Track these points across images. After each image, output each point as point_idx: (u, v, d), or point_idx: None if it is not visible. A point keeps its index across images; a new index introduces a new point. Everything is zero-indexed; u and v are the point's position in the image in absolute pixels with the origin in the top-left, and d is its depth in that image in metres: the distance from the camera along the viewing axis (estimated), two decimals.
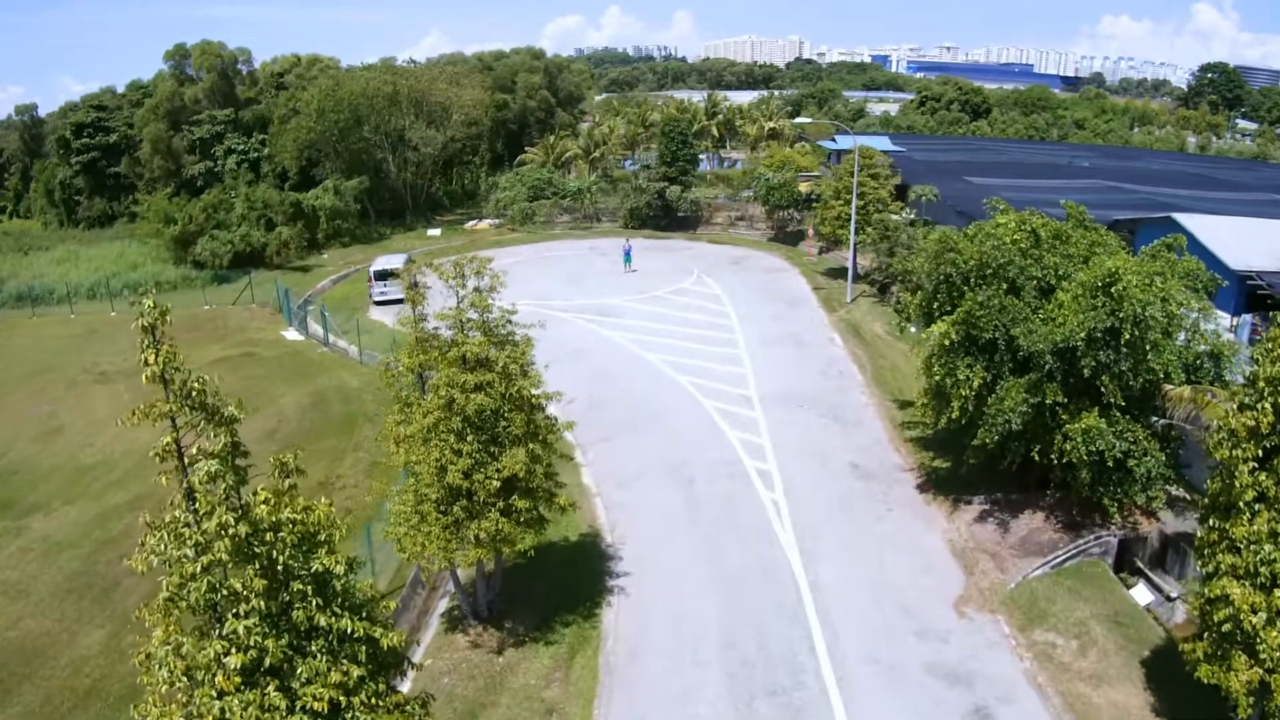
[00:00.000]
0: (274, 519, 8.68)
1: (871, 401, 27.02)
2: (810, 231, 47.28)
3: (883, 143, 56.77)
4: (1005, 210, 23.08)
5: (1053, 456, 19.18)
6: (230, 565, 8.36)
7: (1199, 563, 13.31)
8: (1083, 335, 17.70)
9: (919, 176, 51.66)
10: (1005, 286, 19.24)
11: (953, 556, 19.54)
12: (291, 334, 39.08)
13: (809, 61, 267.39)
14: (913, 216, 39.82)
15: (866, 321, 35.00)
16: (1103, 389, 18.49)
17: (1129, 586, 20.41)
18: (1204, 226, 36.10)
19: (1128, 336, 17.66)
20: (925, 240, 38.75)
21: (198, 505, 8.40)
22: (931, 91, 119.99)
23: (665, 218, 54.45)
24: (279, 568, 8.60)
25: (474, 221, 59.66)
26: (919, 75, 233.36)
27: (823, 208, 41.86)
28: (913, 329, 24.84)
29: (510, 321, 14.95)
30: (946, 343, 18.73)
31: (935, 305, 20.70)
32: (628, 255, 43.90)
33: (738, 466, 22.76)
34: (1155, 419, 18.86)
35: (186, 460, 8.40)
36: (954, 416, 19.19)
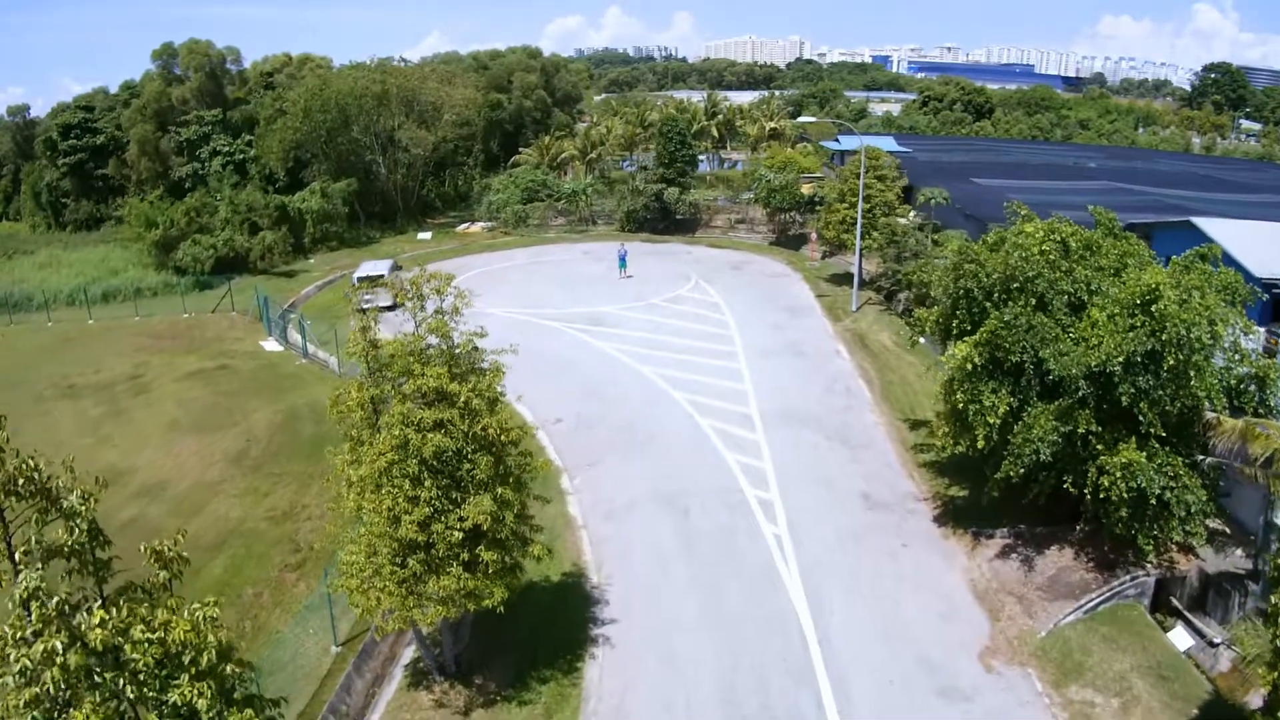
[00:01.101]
0: (117, 642, 6.78)
1: (881, 421, 25.18)
2: (813, 236, 45.46)
3: (887, 143, 54.94)
4: (1028, 217, 21.29)
5: (1085, 491, 17.38)
6: (68, 694, 6.50)
7: (1271, 615, 11.51)
8: (1121, 359, 15.90)
9: (924, 178, 49.86)
10: (1033, 303, 17.43)
11: (976, 599, 17.72)
12: (271, 344, 37.28)
13: (809, 62, 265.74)
14: (921, 220, 37.98)
15: (873, 331, 33.16)
16: (1140, 417, 16.69)
17: (1166, 629, 18.67)
18: (1225, 231, 34.23)
19: (1171, 362, 15.87)
20: (937, 247, 37.17)
21: (34, 618, 6.55)
22: (934, 91, 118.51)
23: (663, 221, 52.64)
24: (127, 700, 6.74)
25: (466, 224, 57.88)
26: (920, 76, 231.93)
27: (827, 211, 40.03)
28: (921, 340, 22.97)
29: (477, 348, 13.08)
30: (970, 366, 16.89)
31: (955, 322, 18.86)
32: (623, 260, 42.09)
33: (737, 495, 20.93)
34: (1200, 457, 17.06)
35: (18, 560, 6.52)
36: (978, 447, 17.35)
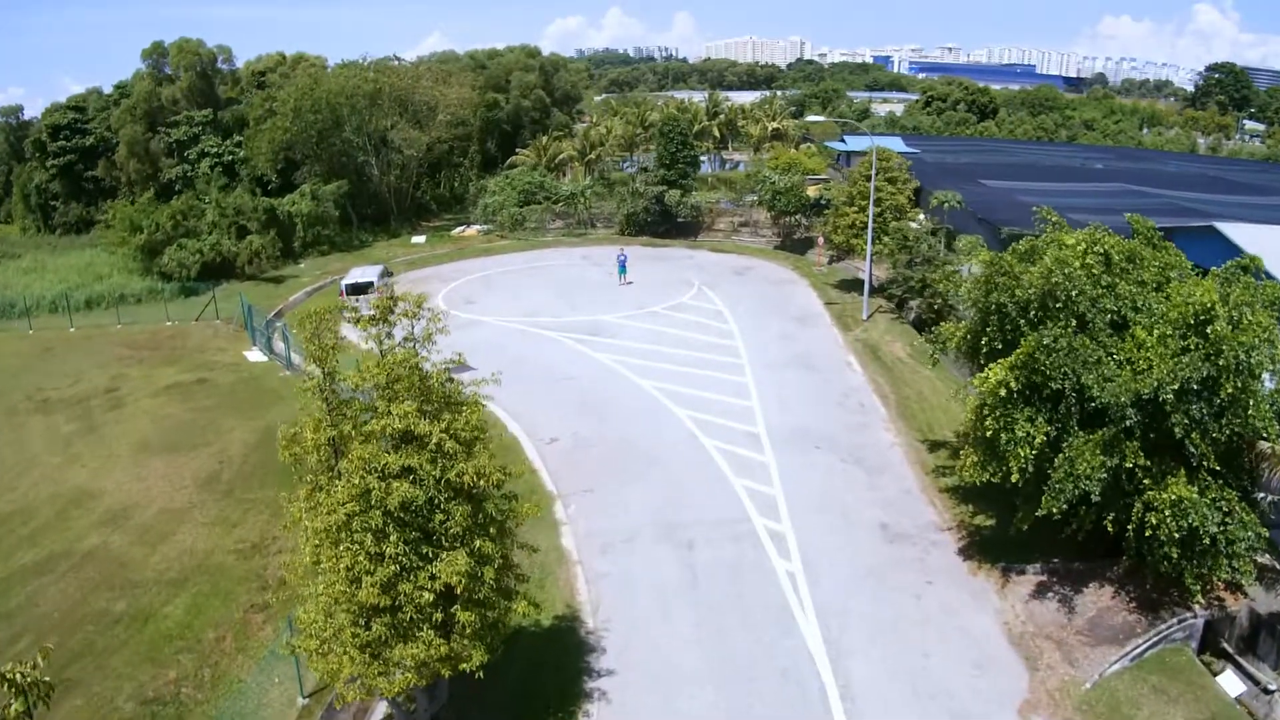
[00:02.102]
0: None
1: (898, 441, 23.53)
2: (820, 240, 43.82)
3: (895, 144, 53.29)
4: (1059, 224, 19.66)
5: (1130, 529, 15.75)
6: None
7: None
8: (1175, 387, 14.28)
9: (932, 180, 48.25)
10: (1073, 322, 15.78)
11: (1011, 645, 16.09)
12: (254, 354, 35.67)
13: (810, 62, 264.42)
14: (933, 225, 36.34)
15: (886, 342, 31.51)
16: (1192, 448, 15.06)
17: (1215, 673, 17.10)
18: (1251, 237, 32.61)
19: (1230, 390, 14.25)
20: (951, 252, 35.52)
21: None
22: (937, 92, 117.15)
23: (664, 224, 50.99)
24: None
25: (461, 228, 56.24)
26: (921, 76, 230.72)
27: (835, 215, 38.38)
28: (936, 351, 21.30)
29: (453, 378, 11.41)
30: (1004, 392, 15.24)
31: (984, 340, 17.20)
32: (623, 266, 40.46)
33: (745, 526, 19.28)
34: (1260, 494, 15.45)
35: None
36: (1013, 481, 15.70)
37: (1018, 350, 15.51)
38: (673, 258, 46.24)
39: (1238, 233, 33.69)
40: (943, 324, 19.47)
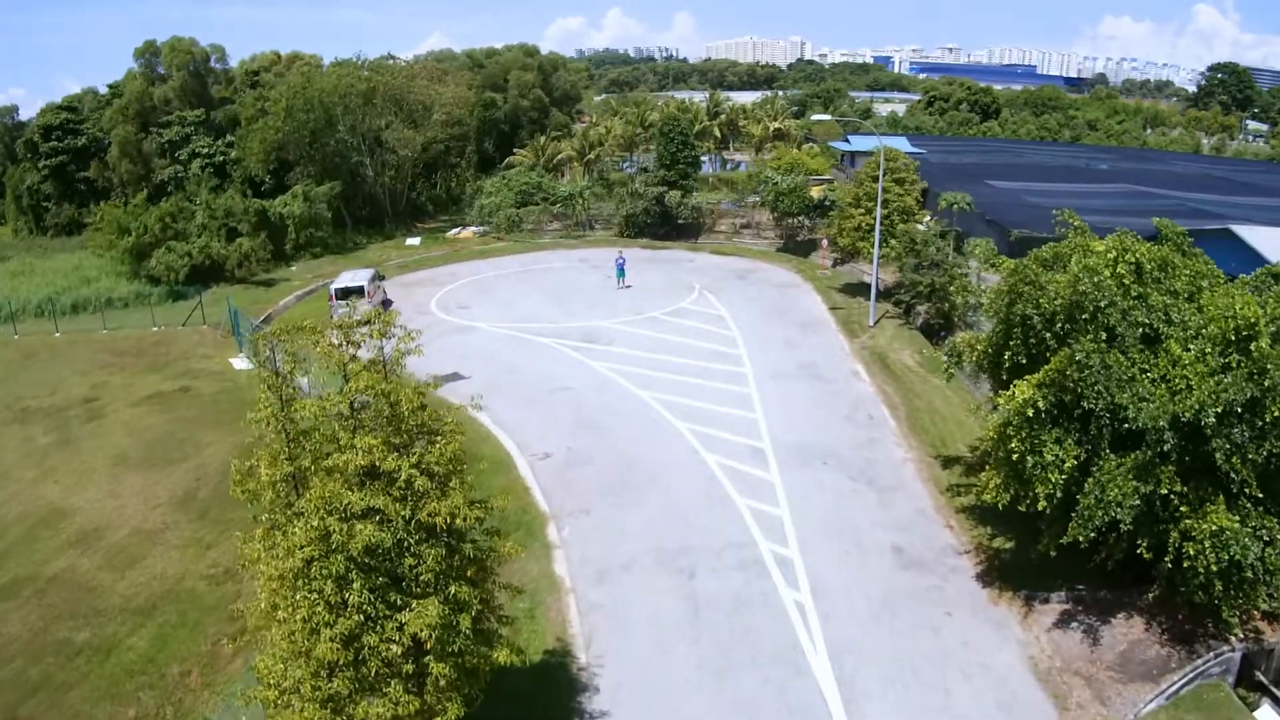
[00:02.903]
0: None
1: (910, 456, 22.33)
2: (824, 242, 42.63)
3: (900, 144, 52.08)
4: (1081, 229, 18.50)
5: (1166, 561, 14.58)
6: None
7: None
8: (1218, 409, 13.10)
9: (938, 181, 47.13)
10: (1104, 336, 14.61)
11: (1037, 683, 14.91)
12: (240, 362, 34.48)
13: (811, 62, 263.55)
14: (942, 227, 35.15)
15: (894, 350, 30.30)
16: (1233, 474, 13.89)
17: (1251, 707, 16.01)
18: (1269, 240, 31.49)
19: (1276, 413, 13.08)
20: (960, 256, 34.36)
21: None
22: (939, 91, 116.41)
23: (664, 225, 49.80)
24: None
25: (458, 229, 55.05)
26: (922, 76, 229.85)
27: (841, 216, 37.17)
28: (951, 365, 20.08)
29: (424, 405, 10.20)
30: (1031, 412, 14.06)
31: (1007, 354, 16.02)
32: (621, 269, 39.27)
33: (751, 551, 18.08)
34: None
35: None
36: (1040, 508, 14.52)
37: (1046, 367, 14.34)
38: (673, 260, 45.06)
39: (1255, 236, 32.49)
40: (961, 335, 18.27)
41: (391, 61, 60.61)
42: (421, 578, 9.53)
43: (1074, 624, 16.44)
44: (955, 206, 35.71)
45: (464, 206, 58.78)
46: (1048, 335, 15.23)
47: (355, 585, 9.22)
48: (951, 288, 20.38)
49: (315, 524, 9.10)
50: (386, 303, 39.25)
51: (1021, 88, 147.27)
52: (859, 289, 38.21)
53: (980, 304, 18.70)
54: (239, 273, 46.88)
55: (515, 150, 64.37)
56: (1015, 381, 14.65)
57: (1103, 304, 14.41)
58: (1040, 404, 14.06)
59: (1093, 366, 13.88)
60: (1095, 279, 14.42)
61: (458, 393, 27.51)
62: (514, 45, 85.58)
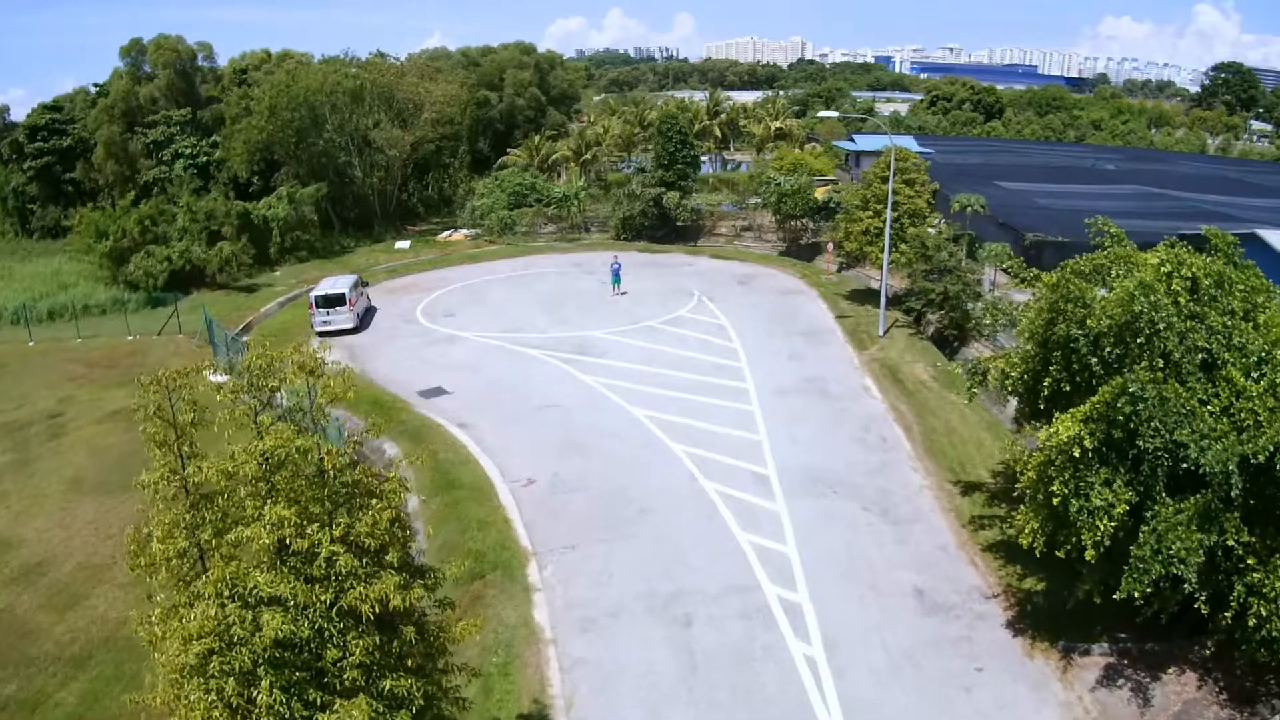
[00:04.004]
0: None
1: (927, 483, 20.48)
2: (829, 246, 40.79)
3: (907, 144, 50.23)
4: (1118, 236, 16.66)
5: (1227, 616, 12.76)
6: None
7: None
8: None
9: (943, 181, 45.35)
10: (1160, 362, 12.77)
11: None
12: (215, 375, 32.55)
13: (812, 62, 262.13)
14: (955, 230, 33.30)
15: (906, 362, 28.47)
16: None
17: None
18: None
19: None
20: (974, 261, 32.53)
21: None
22: (942, 91, 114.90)
23: (662, 228, 47.97)
24: None
25: (449, 232, 53.24)
26: (923, 76, 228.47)
27: (848, 220, 35.33)
28: (974, 383, 18.19)
29: (355, 461, 8.36)
30: (1077, 452, 12.22)
31: (1047, 380, 14.17)
32: (616, 275, 37.43)
33: (754, 596, 16.24)
34: None
35: None
36: (1087, 558, 12.68)
37: (1093, 399, 12.50)
38: (671, 265, 43.22)
39: None
40: (987, 355, 16.38)
41: (381, 59, 58.69)
42: (346, 674, 7.70)
43: (1120, 680, 14.62)
44: (968, 209, 33.87)
45: (456, 208, 56.98)
46: (1093, 360, 13.40)
47: (264, 683, 7.40)
48: (979, 306, 18.35)
49: (212, 614, 7.30)
50: (371, 310, 37.46)
51: (1025, 88, 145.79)
52: (866, 296, 36.40)
53: (1011, 324, 16.82)
54: (220, 278, 45.07)
55: (509, 150, 62.51)
56: (1058, 415, 12.81)
57: (1160, 326, 12.57)
58: (1087, 442, 12.21)
59: (1148, 399, 12.04)
60: (1152, 297, 12.56)
61: (440, 408, 25.82)
62: (510, 43, 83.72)
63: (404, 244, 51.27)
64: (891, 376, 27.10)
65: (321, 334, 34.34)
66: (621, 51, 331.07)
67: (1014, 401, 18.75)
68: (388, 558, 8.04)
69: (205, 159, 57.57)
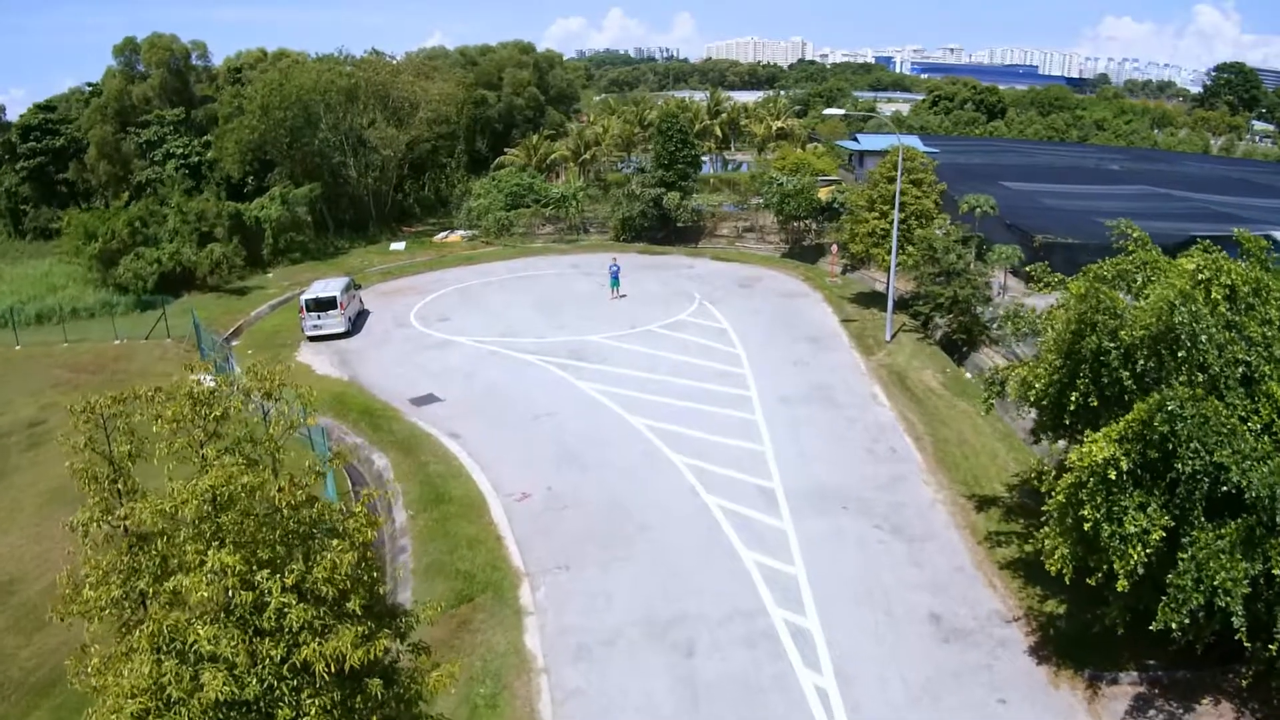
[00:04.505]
0: None
1: (940, 498, 19.54)
2: (834, 248, 39.87)
3: (912, 143, 49.29)
4: (1142, 240, 15.73)
5: (1272, 648, 11.82)
6: None
7: None
8: None
9: (951, 182, 44.51)
10: (1199, 377, 11.83)
11: None
12: (204, 379, 31.67)
13: (812, 63, 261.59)
14: (964, 232, 32.37)
15: (914, 368, 27.53)
16: None
17: None
18: None
19: None
20: (986, 264, 31.60)
21: None
22: (944, 91, 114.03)
23: (662, 229, 47.03)
24: None
25: (445, 233, 52.31)
26: (924, 76, 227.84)
27: (853, 221, 34.38)
28: (992, 395, 17.22)
29: (314, 501, 7.41)
30: (1113, 474, 11.28)
31: (1074, 395, 13.23)
32: (615, 277, 36.50)
33: (761, 621, 15.30)
34: None
35: None
36: (1119, 587, 11.73)
37: (1128, 417, 11.55)
38: (671, 267, 42.28)
39: None
40: (1017, 370, 15.41)
41: (376, 56, 57.75)
42: None
43: (1151, 711, 13.69)
44: (978, 210, 32.92)
45: (452, 209, 56.06)
46: (1124, 374, 12.46)
47: None
48: (999, 314, 17.32)
49: (146, 671, 6.38)
50: (363, 313, 36.56)
51: (1026, 88, 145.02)
52: (872, 299, 35.47)
53: (1032, 333, 15.88)
54: (211, 280, 44.16)
55: (506, 150, 61.58)
56: (1089, 433, 11.85)
57: (1201, 338, 11.63)
58: (1123, 464, 11.27)
59: (1188, 418, 11.10)
60: (1192, 307, 11.62)
61: (431, 417, 24.88)
62: (508, 42, 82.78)
63: (399, 245, 50.35)
64: (900, 383, 26.16)
65: (312, 338, 33.45)
66: (621, 52, 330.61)
67: (1030, 411, 17.86)
68: (349, 605, 7.10)
69: (197, 159, 56.69)
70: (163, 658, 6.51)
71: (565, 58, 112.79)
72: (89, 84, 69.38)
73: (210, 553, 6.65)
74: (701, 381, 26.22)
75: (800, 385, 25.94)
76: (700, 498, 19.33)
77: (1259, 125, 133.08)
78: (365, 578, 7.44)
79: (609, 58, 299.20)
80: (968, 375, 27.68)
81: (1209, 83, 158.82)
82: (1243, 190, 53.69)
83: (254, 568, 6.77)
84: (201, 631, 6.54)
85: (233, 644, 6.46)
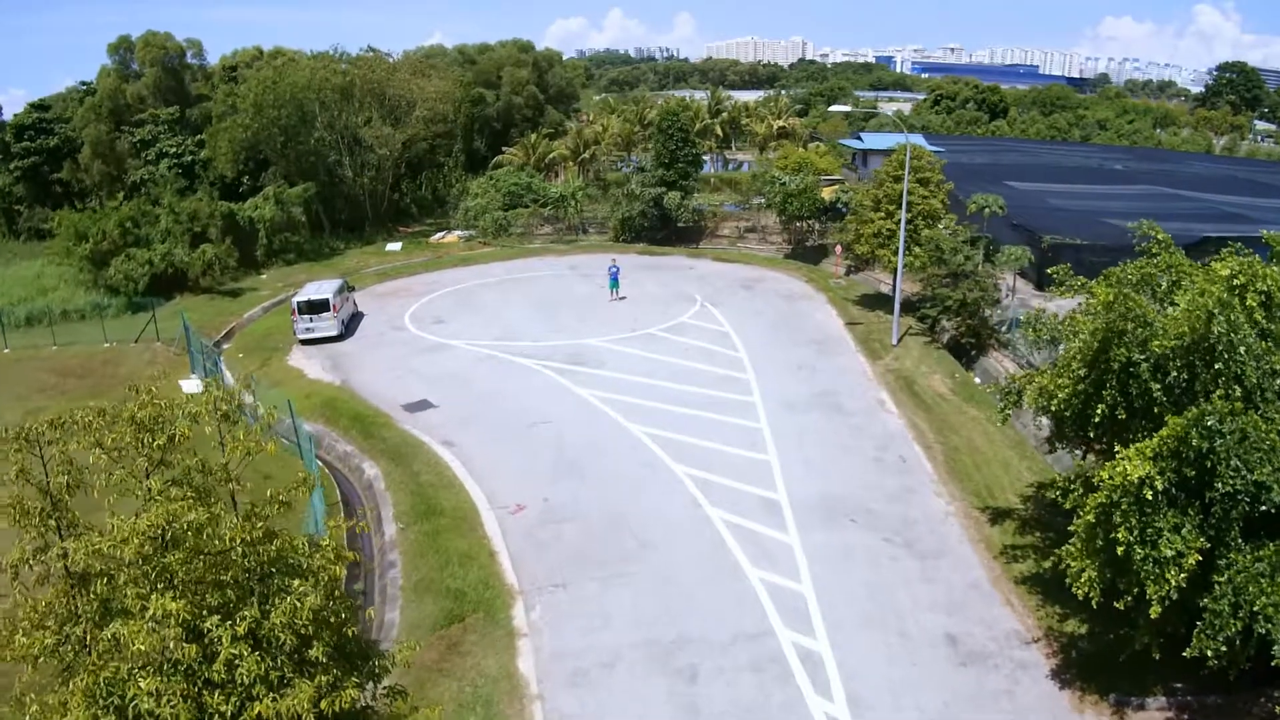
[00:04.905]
0: None
1: (953, 509, 18.77)
2: (838, 249, 39.10)
3: (917, 142, 48.50)
4: (1165, 243, 14.97)
5: None
6: None
7: None
8: None
9: (956, 182, 43.78)
10: (1237, 390, 11.06)
11: None
12: (190, 384, 30.90)
13: (813, 62, 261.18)
14: (972, 232, 31.58)
15: (922, 373, 26.76)
16: None
17: None
18: None
19: None
20: (995, 265, 30.80)
21: None
22: (945, 90, 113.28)
23: (662, 229, 46.24)
24: None
25: (442, 234, 51.52)
26: (925, 76, 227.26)
27: (859, 221, 33.61)
28: (1009, 405, 16.40)
29: (271, 535, 6.62)
30: (1149, 494, 10.50)
31: (1100, 409, 12.45)
32: (614, 279, 35.72)
33: (768, 643, 14.51)
34: None
35: None
36: (1153, 614, 10.96)
37: (1162, 432, 10.78)
38: (672, 268, 41.51)
39: None
40: (1036, 379, 14.61)
41: (372, 53, 56.93)
42: None
43: None
44: (986, 210, 32.15)
45: (449, 209, 55.26)
46: (1155, 386, 11.69)
47: None
48: (1023, 324, 16.42)
49: None
50: (357, 316, 35.79)
51: (1028, 87, 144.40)
52: (877, 301, 34.71)
53: (1054, 340, 15.08)
54: (204, 282, 43.40)
55: (504, 149, 60.81)
56: (1122, 450, 11.06)
57: (1240, 350, 10.85)
58: (1159, 483, 10.49)
59: (1227, 434, 10.33)
60: (1231, 316, 10.84)
61: (424, 424, 24.09)
62: (507, 41, 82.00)
63: (395, 246, 49.57)
64: (908, 389, 25.39)
65: (304, 342, 32.68)
66: (622, 52, 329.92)
67: (1044, 419, 17.09)
68: (312, 652, 6.33)
69: (191, 158, 55.89)
70: (99, 713, 5.75)
71: (565, 57, 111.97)
72: (83, 82, 68.69)
73: (153, 598, 5.88)
74: (704, 387, 25.45)
75: (805, 391, 25.16)
76: (703, 510, 18.54)
77: (1261, 125, 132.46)
78: (332, 619, 6.67)
79: (609, 58, 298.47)
80: (976, 380, 26.92)
81: (1211, 82, 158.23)
82: (1249, 190, 53.03)
83: (203, 613, 6.00)
84: (143, 684, 5.79)
85: (173, 702, 5.69)
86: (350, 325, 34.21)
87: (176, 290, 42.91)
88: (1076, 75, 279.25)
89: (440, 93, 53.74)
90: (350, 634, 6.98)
